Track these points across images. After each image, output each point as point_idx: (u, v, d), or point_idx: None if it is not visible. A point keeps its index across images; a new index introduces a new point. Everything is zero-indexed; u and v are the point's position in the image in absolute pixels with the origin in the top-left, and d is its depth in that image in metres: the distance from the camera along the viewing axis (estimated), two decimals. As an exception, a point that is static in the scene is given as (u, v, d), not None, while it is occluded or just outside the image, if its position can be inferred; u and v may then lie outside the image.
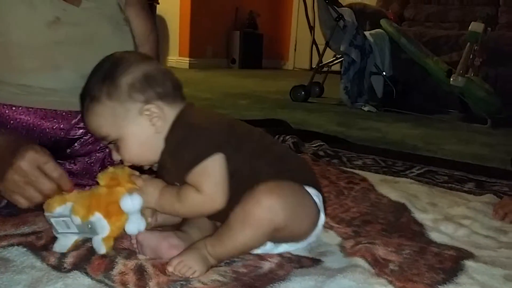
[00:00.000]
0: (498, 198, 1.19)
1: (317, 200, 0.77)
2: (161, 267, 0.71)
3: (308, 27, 3.58)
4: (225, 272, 0.72)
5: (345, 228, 0.93)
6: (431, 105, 3.03)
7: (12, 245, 0.76)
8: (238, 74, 5.05)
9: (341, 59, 3.16)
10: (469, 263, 0.81)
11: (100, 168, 0.99)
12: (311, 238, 0.80)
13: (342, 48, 2.99)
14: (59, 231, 0.75)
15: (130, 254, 0.76)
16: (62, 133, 0.94)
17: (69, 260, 0.73)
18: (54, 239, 0.77)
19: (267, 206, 0.68)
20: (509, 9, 3.67)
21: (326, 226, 0.90)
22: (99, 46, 0.76)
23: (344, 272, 0.72)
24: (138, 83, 0.74)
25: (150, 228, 0.79)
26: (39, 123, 0.91)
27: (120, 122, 0.74)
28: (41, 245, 0.78)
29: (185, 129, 0.74)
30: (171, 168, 0.75)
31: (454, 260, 0.82)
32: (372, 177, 1.34)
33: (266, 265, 0.75)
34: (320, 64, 3.36)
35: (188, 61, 5.54)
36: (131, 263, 0.73)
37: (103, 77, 0.74)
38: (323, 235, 0.86)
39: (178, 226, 0.81)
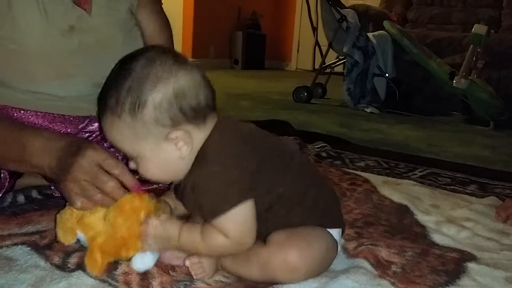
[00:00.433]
0: (500, 201, 1.19)
1: (337, 238, 0.75)
2: (164, 267, 0.72)
3: (311, 28, 3.58)
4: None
5: (348, 230, 0.93)
6: (433, 107, 3.03)
7: (16, 244, 0.76)
8: (240, 75, 5.05)
9: (344, 61, 3.17)
10: (471, 265, 0.81)
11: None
12: None
13: (345, 50, 2.99)
14: None
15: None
16: None
17: (73, 260, 0.73)
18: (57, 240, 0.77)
19: (293, 269, 0.66)
20: (513, 11, 3.66)
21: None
22: (110, 55, 0.72)
23: (347, 273, 0.72)
24: (166, 103, 0.64)
25: None
26: (47, 126, 0.91)
27: (141, 143, 0.66)
28: (45, 244, 0.78)
29: (214, 165, 0.65)
30: (194, 203, 0.69)
31: (456, 262, 0.82)
32: (375, 179, 1.34)
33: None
34: (323, 65, 3.37)
35: (190, 62, 5.55)
36: (135, 263, 0.73)
37: (128, 89, 0.64)
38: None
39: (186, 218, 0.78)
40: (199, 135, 0.67)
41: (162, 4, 1.11)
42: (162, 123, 0.64)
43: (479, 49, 2.72)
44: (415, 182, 1.34)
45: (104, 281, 0.68)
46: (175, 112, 0.64)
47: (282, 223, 0.71)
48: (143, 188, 0.72)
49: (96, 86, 0.75)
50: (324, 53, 3.32)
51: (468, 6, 3.81)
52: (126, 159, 0.73)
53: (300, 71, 6.15)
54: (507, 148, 2.08)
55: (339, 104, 3.18)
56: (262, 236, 0.69)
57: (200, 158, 0.67)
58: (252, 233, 0.66)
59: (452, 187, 1.34)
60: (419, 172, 1.49)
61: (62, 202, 0.76)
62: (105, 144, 0.98)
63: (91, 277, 0.68)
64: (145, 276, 0.69)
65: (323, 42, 3.36)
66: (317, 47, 3.57)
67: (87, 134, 0.96)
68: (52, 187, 1.00)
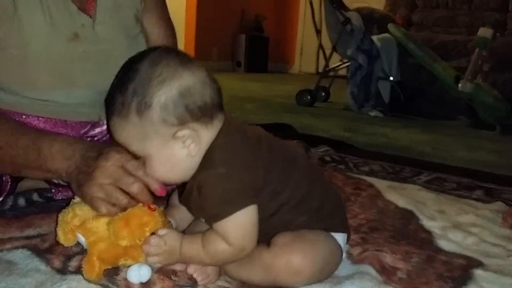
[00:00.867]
0: (507, 206, 1.17)
1: (342, 243, 0.74)
2: (166, 272, 0.71)
3: (314, 30, 3.58)
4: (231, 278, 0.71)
5: (352, 235, 0.92)
6: (438, 110, 3.01)
7: (17, 248, 0.76)
8: (243, 78, 5.05)
9: (347, 64, 3.16)
10: (478, 272, 0.80)
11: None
12: None
13: (349, 53, 2.98)
14: None
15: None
16: None
17: (73, 263, 0.72)
18: (58, 242, 0.76)
19: (296, 271, 0.66)
20: (518, 14, 3.65)
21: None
22: (114, 63, 0.72)
23: (352, 279, 0.71)
24: (172, 103, 0.64)
25: None
26: (50, 131, 0.90)
27: (148, 143, 0.67)
28: (46, 248, 0.77)
29: (220, 168, 0.65)
30: (198, 206, 0.68)
31: (463, 269, 0.81)
32: (379, 184, 1.33)
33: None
34: (326, 69, 3.36)
35: (193, 64, 5.55)
36: (136, 268, 0.72)
37: (134, 90, 0.65)
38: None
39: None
40: (206, 134, 0.67)
41: (168, 11, 1.09)
42: (169, 122, 0.65)
43: (484, 53, 2.71)
44: (420, 187, 1.33)
45: (105, 286, 0.67)
46: (181, 111, 0.65)
47: (286, 226, 0.70)
48: (164, 192, 0.71)
49: (100, 93, 0.74)
50: (327, 56, 3.32)
51: (473, 9, 3.80)
52: None
53: (303, 74, 6.15)
54: (513, 153, 2.07)
55: (343, 107, 3.17)
56: (266, 238, 0.68)
57: (207, 159, 0.67)
58: (253, 240, 0.66)
59: (458, 192, 1.33)
60: (424, 176, 1.48)
61: (63, 205, 0.75)
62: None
63: (91, 281, 0.67)
64: (146, 281, 0.68)
65: (327, 45, 3.36)
66: (320, 50, 3.57)
67: (89, 139, 0.96)
68: (53, 190, 1.00)
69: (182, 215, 0.79)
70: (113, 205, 0.70)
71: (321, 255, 0.68)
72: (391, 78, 3.07)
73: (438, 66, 2.87)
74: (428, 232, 0.98)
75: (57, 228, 0.73)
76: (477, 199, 1.26)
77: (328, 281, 0.71)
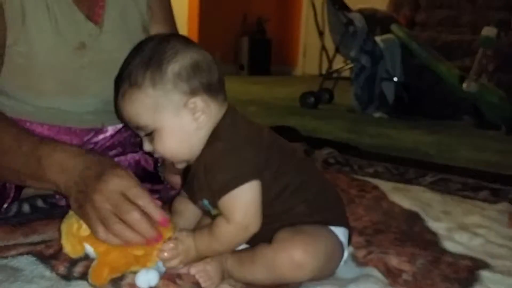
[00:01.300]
0: (513, 206, 1.17)
1: (343, 239, 0.74)
2: (171, 276, 0.71)
3: (317, 32, 3.58)
4: (235, 282, 0.71)
5: (357, 237, 0.92)
6: (443, 111, 2.99)
7: (22, 254, 0.76)
8: (246, 80, 5.05)
9: (351, 66, 3.15)
10: (484, 273, 0.79)
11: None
12: None
13: (352, 54, 2.98)
14: None
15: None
16: None
17: (78, 269, 0.72)
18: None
19: (298, 266, 0.66)
20: (522, 13, 3.63)
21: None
22: None
23: (357, 281, 0.71)
24: (184, 72, 0.68)
25: None
26: (53, 138, 0.90)
27: (161, 113, 0.68)
28: (50, 254, 0.77)
29: (226, 143, 0.68)
30: (204, 183, 0.69)
31: (469, 270, 0.80)
32: (384, 185, 1.32)
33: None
34: (329, 70, 3.35)
35: (197, 67, 5.56)
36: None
37: (147, 62, 0.68)
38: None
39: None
40: (215, 107, 0.71)
41: (175, 22, 1.08)
42: (181, 90, 0.68)
43: (489, 52, 2.69)
44: (425, 188, 1.32)
45: (109, 291, 0.67)
46: (193, 81, 0.68)
47: (286, 213, 0.71)
48: (166, 222, 0.69)
49: (105, 102, 0.74)
50: (331, 57, 3.31)
51: (477, 9, 3.78)
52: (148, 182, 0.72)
53: (307, 76, 6.14)
54: (519, 152, 2.05)
55: (347, 109, 3.16)
56: (268, 235, 0.69)
57: (213, 137, 0.70)
58: (257, 218, 0.67)
59: (463, 193, 1.32)
60: (429, 178, 1.47)
61: (67, 211, 0.75)
62: (109, 153, 0.97)
63: (96, 287, 0.67)
64: (154, 286, 0.68)
65: (330, 46, 3.35)
66: (323, 51, 3.57)
67: (91, 145, 0.96)
68: (57, 197, 1.00)
69: (185, 221, 0.79)
70: (109, 230, 0.67)
71: (323, 249, 0.69)
72: (395, 79, 3.06)
73: (442, 66, 2.85)
74: (434, 234, 0.98)
75: (62, 241, 0.72)
76: (483, 200, 1.26)
77: (332, 284, 0.70)
